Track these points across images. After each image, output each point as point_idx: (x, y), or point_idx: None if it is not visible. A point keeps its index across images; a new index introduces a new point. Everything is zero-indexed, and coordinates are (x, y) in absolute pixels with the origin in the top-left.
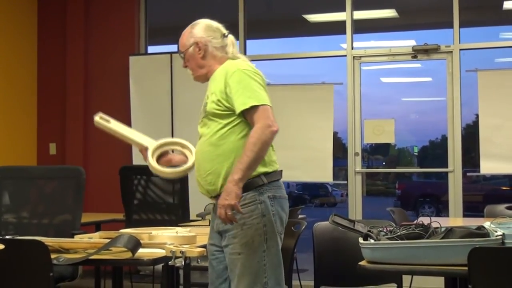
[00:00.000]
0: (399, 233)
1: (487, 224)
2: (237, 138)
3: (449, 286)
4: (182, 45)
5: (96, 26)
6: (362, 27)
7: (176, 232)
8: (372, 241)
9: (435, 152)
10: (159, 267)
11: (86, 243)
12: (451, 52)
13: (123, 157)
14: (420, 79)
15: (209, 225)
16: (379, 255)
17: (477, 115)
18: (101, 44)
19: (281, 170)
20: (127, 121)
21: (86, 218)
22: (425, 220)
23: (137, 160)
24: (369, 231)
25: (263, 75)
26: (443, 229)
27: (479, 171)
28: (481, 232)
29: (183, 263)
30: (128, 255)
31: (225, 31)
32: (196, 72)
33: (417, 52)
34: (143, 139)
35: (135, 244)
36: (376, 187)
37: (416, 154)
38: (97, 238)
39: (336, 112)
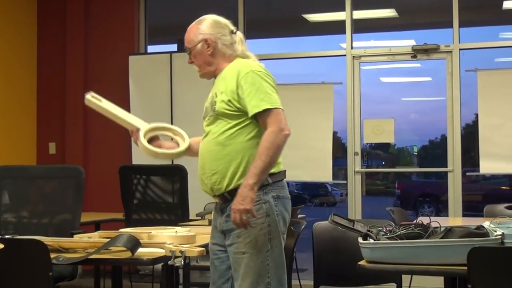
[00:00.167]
0: (399, 232)
1: (486, 224)
2: (245, 139)
3: (449, 285)
4: (188, 40)
5: (96, 26)
6: (361, 26)
7: (176, 231)
8: (371, 240)
9: (434, 151)
10: (159, 266)
11: (86, 242)
12: (451, 52)
13: (123, 156)
14: (420, 78)
15: (208, 225)
16: (378, 255)
17: (477, 115)
18: (101, 44)
19: (285, 170)
20: None
21: (86, 217)
22: (424, 219)
23: (136, 159)
24: (369, 230)
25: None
26: (442, 229)
27: (478, 171)
28: (481, 232)
29: (182, 262)
30: (128, 254)
31: (233, 28)
32: (203, 69)
33: (417, 52)
34: (135, 120)
35: (135, 243)
36: (376, 186)
37: (416, 153)
38: (96, 237)
39: (335, 112)
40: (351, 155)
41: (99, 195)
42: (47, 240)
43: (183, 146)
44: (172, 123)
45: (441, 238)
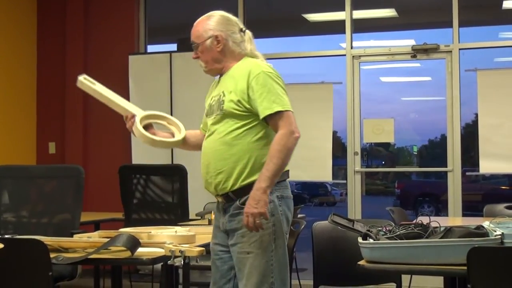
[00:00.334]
0: (398, 232)
1: (486, 223)
2: (252, 139)
3: (448, 285)
4: (197, 36)
5: (96, 25)
6: (361, 26)
7: (175, 231)
8: (371, 240)
9: (434, 151)
10: (158, 266)
11: (85, 242)
12: (451, 51)
13: (123, 156)
14: (420, 78)
15: (208, 224)
16: (378, 255)
17: (477, 115)
18: (101, 43)
19: (288, 170)
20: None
21: (86, 217)
22: (424, 219)
23: (136, 159)
24: (368, 230)
25: None
26: (442, 229)
27: (478, 171)
28: (480, 232)
29: (182, 262)
30: (127, 254)
31: (242, 26)
32: (210, 66)
33: (417, 52)
34: (129, 106)
35: (134, 243)
36: (376, 186)
37: (416, 153)
38: (96, 237)
39: (335, 112)
40: (351, 154)
41: (98, 195)
42: (46, 239)
43: (179, 136)
44: None
45: (441, 238)
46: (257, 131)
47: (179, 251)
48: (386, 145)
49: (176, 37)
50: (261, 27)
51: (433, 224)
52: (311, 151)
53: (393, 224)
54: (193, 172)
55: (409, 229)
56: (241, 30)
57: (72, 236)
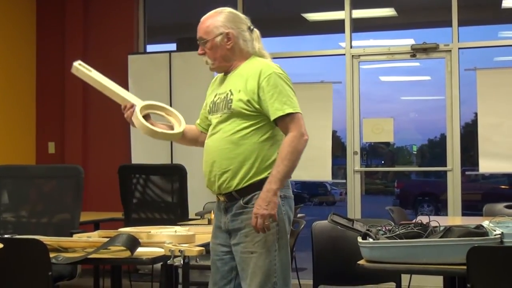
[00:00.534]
0: (398, 232)
1: (485, 223)
2: (259, 140)
3: (448, 285)
4: (207, 31)
5: (95, 25)
6: (361, 26)
7: (175, 231)
8: (371, 240)
9: (434, 151)
10: (158, 266)
11: (85, 242)
12: (450, 51)
13: (122, 156)
14: (419, 78)
15: (208, 224)
16: (377, 254)
17: (476, 114)
18: (100, 43)
19: None
20: (125, 120)
21: (85, 217)
22: (424, 219)
23: (136, 159)
24: (368, 230)
25: None
26: (442, 228)
27: (478, 170)
28: (480, 231)
29: (182, 262)
30: (127, 254)
31: (250, 24)
32: (217, 63)
33: (416, 51)
34: (128, 95)
35: (134, 243)
36: (375, 186)
37: (415, 153)
38: (96, 237)
39: (335, 111)
40: (351, 154)
41: (98, 195)
42: (46, 239)
43: (179, 128)
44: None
45: (441, 237)
46: (264, 132)
47: (179, 250)
48: (386, 145)
49: (176, 36)
50: (260, 26)
51: (433, 224)
52: (311, 151)
53: (393, 224)
54: (193, 172)
55: (408, 228)
56: (249, 28)
57: (71, 236)
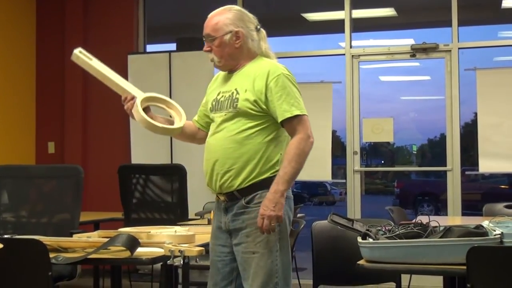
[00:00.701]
0: (398, 232)
1: (485, 223)
2: (264, 140)
3: (448, 285)
4: (215, 29)
5: (95, 25)
6: (360, 25)
7: (175, 231)
8: (370, 240)
9: (433, 150)
10: (158, 266)
11: (85, 242)
12: (450, 51)
13: (122, 156)
14: (419, 77)
15: (208, 224)
16: (377, 254)
17: (476, 114)
18: (100, 43)
19: None
20: (125, 120)
21: (85, 217)
22: (423, 219)
23: (136, 159)
24: (368, 230)
25: None
26: (441, 228)
27: (477, 170)
28: (480, 231)
29: (181, 262)
30: (127, 254)
31: (257, 23)
32: (224, 61)
33: (416, 51)
34: (129, 87)
35: (134, 243)
36: (375, 185)
37: (415, 152)
38: (95, 237)
39: (334, 111)
40: (350, 154)
41: (98, 195)
42: (46, 239)
43: (179, 123)
44: None
45: (440, 237)
46: (269, 132)
47: (179, 250)
48: (386, 145)
49: (176, 36)
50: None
51: (433, 224)
52: (311, 151)
53: (393, 224)
54: (193, 171)
55: (408, 228)
56: (256, 27)
57: (71, 236)
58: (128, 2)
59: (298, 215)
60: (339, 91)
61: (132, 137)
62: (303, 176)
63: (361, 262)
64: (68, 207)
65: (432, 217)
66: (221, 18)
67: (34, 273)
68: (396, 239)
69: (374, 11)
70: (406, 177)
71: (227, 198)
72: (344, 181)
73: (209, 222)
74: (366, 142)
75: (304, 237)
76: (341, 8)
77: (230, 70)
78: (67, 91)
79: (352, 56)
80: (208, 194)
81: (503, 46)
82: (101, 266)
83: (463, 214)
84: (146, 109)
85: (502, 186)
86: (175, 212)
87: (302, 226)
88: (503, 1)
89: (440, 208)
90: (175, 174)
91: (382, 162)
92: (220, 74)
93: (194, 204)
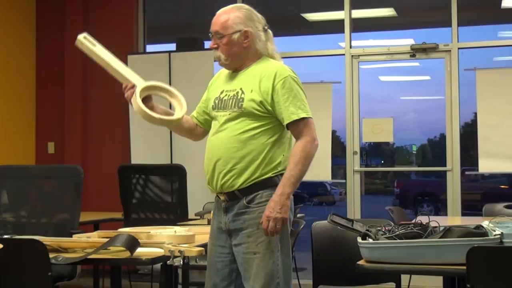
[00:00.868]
0: (398, 232)
1: (485, 223)
2: (267, 141)
3: (448, 285)
4: (224, 26)
5: (95, 25)
6: (360, 26)
7: (175, 231)
8: (370, 240)
9: (433, 150)
10: (158, 266)
11: (85, 242)
12: (450, 51)
13: (122, 156)
14: (419, 77)
15: (207, 224)
16: (377, 255)
17: (476, 114)
18: (100, 43)
19: None
20: (125, 120)
21: (85, 217)
22: (423, 219)
23: (135, 159)
24: (368, 230)
25: None
26: (441, 229)
27: (477, 170)
28: (480, 232)
29: (181, 262)
30: (127, 254)
31: (265, 24)
32: (230, 59)
33: (416, 51)
34: (130, 75)
35: (134, 243)
36: (375, 185)
37: (415, 152)
38: (95, 237)
39: (334, 111)
40: (350, 154)
41: (98, 195)
42: (46, 240)
43: (179, 114)
44: None
45: (440, 237)
46: (272, 133)
47: (179, 251)
48: (385, 145)
49: (175, 36)
50: None
51: (432, 224)
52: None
53: (393, 224)
54: (192, 172)
55: (408, 228)
56: (263, 28)
57: (71, 236)
58: (128, 2)
59: (298, 215)
60: (339, 91)
61: (132, 137)
62: None
63: (361, 262)
64: (68, 207)
65: (432, 217)
66: (231, 16)
67: (34, 273)
68: (396, 239)
69: (374, 11)
70: (406, 177)
71: (227, 197)
72: (344, 181)
73: (209, 222)
74: (366, 142)
75: (304, 237)
76: (341, 8)
77: (236, 69)
78: (67, 91)
79: (352, 56)
80: (208, 194)
81: (503, 46)
82: (101, 266)
83: (463, 214)
84: (147, 98)
85: (502, 186)
86: (175, 212)
87: (302, 226)
88: (503, 1)
89: (440, 208)
90: (175, 174)
91: (382, 162)
92: (223, 71)
93: (194, 204)
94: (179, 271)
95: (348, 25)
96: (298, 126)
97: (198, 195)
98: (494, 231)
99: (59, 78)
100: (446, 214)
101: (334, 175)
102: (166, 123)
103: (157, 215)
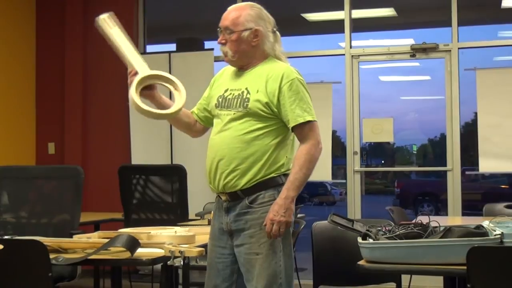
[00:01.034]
0: (398, 232)
1: (485, 223)
2: (271, 142)
3: (448, 285)
4: (235, 23)
5: (95, 26)
6: (360, 26)
7: (175, 231)
8: (371, 240)
9: (434, 150)
10: (158, 266)
11: (85, 243)
12: (450, 51)
13: (122, 156)
14: (419, 77)
15: (208, 225)
16: (378, 255)
17: (476, 114)
18: (100, 43)
19: None
20: (125, 121)
21: (85, 217)
22: (424, 219)
23: (136, 159)
24: (368, 230)
25: None
26: (442, 229)
27: (477, 170)
28: (480, 232)
29: (182, 262)
30: (127, 255)
31: (274, 25)
32: (237, 56)
33: (416, 51)
34: (137, 61)
35: (134, 244)
36: (375, 185)
37: (415, 152)
38: (96, 238)
39: (334, 111)
40: (350, 154)
41: (98, 195)
42: (46, 240)
43: (173, 108)
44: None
45: (441, 237)
46: (276, 135)
47: (179, 251)
48: (386, 145)
49: (175, 37)
50: None
51: (433, 224)
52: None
53: (393, 224)
54: (193, 172)
55: (408, 228)
56: (273, 29)
57: (71, 237)
58: (128, 2)
59: (298, 215)
60: (339, 91)
61: (132, 138)
62: None
63: (361, 262)
64: (68, 207)
65: (432, 217)
66: (243, 13)
67: (34, 274)
68: (396, 240)
69: (374, 11)
70: (406, 177)
71: (229, 197)
72: (344, 181)
73: (209, 223)
74: (366, 142)
75: (304, 238)
76: (341, 8)
77: (241, 67)
78: (67, 92)
79: (352, 56)
80: (208, 195)
81: (503, 46)
82: (102, 266)
83: (463, 214)
84: (150, 86)
85: (502, 186)
86: (175, 212)
87: (302, 226)
88: (503, 1)
89: (440, 208)
90: (175, 174)
91: (382, 162)
92: (227, 69)
93: (194, 205)
94: (180, 271)
95: (348, 25)
96: (304, 129)
97: (199, 195)
98: (495, 231)
99: (59, 79)
100: (446, 214)
101: (334, 175)
102: (155, 116)
103: (158, 215)
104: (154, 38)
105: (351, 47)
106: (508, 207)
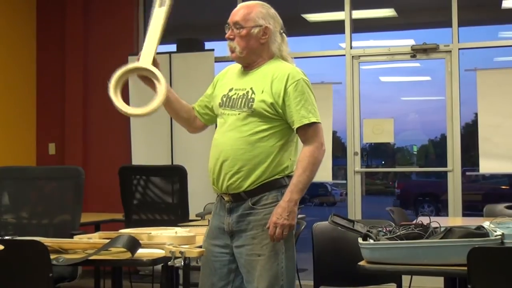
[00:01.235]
0: (399, 233)
1: (486, 223)
2: (275, 144)
3: (449, 286)
4: (246, 19)
5: (95, 27)
6: (361, 26)
7: (175, 232)
8: (371, 241)
9: (434, 151)
10: (159, 267)
11: (86, 243)
12: (450, 51)
13: (123, 157)
14: (419, 78)
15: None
16: (378, 255)
17: (476, 114)
18: (100, 44)
19: None
20: (126, 121)
21: (86, 218)
22: (424, 219)
23: (136, 160)
24: (369, 231)
25: None
26: (442, 229)
27: (478, 170)
28: (481, 232)
29: (182, 263)
30: (128, 255)
31: (282, 27)
32: (245, 53)
33: (416, 52)
34: (145, 50)
35: (135, 244)
36: (376, 186)
37: (415, 153)
38: (96, 238)
39: (335, 112)
40: (351, 154)
41: (99, 196)
42: (47, 241)
43: (154, 103)
44: (171, 124)
45: (441, 238)
46: (281, 136)
47: (179, 252)
48: (386, 145)
49: (175, 37)
50: None
51: (433, 225)
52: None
53: (393, 225)
54: (193, 172)
55: (409, 229)
56: (280, 31)
57: (72, 237)
58: (128, 3)
59: (299, 216)
60: (340, 92)
61: (133, 138)
62: None
63: (362, 263)
64: (69, 208)
65: (432, 218)
66: (254, 10)
67: (35, 274)
68: (397, 240)
69: (374, 11)
70: (407, 178)
71: (232, 198)
72: (344, 182)
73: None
74: (367, 143)
75: (305, 238)
76: (341, 9)
77: (247, 65)
78: (68, 92)
79: (353, 56)
80: (209, 195)
81: (504, 46)
82: (102, 267)
83: (464, 215)
84: (150, 78)
85: (503, 187)
86: (176, 213)
87: (303, 227)
88: (503, 1)
89: (441, 208)
90: (175, 175)
91: (383, 162)
92: (231, 68)
93: (195, 205)
94: (180, 272)
95: (349, 26)
96: (308, 131)
97: (199, 196)
98: (495, 231)
99: (59, 79)
100: (447, 215)
101: (335, 176)
102: (128, 114)
103: (158, 216)
104: None
105: (351, 47)
106: (508, 207)
